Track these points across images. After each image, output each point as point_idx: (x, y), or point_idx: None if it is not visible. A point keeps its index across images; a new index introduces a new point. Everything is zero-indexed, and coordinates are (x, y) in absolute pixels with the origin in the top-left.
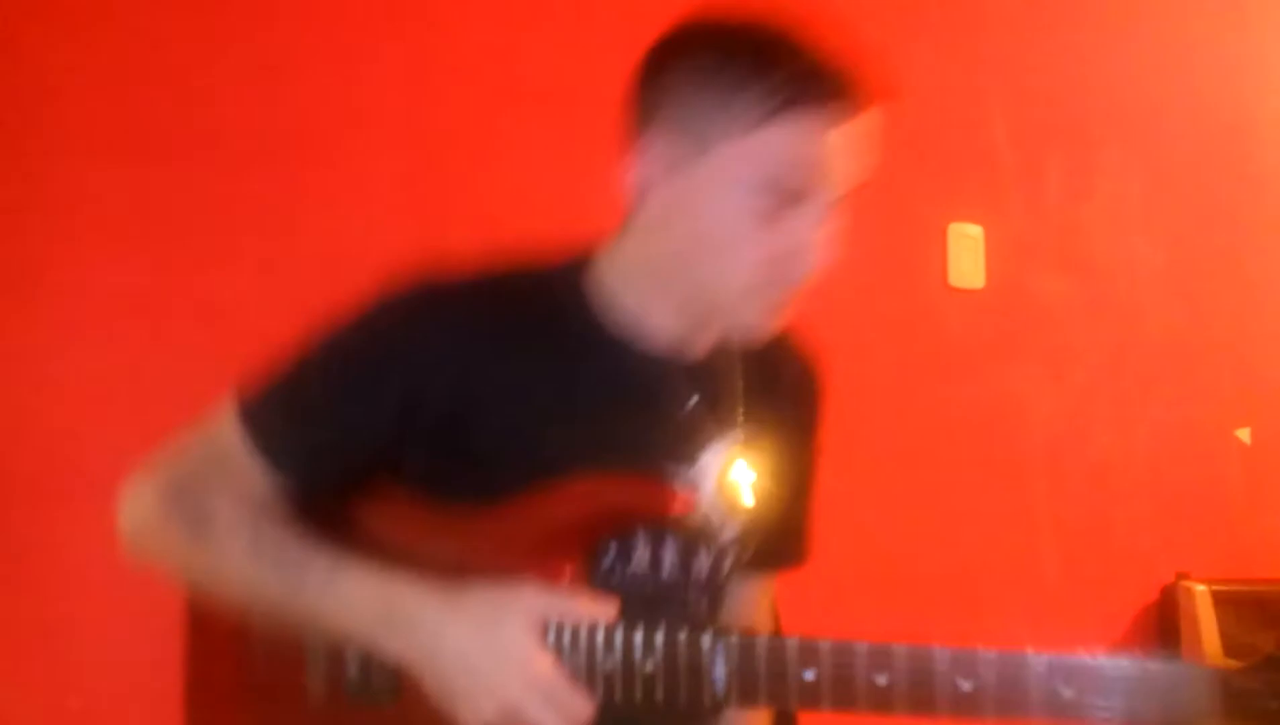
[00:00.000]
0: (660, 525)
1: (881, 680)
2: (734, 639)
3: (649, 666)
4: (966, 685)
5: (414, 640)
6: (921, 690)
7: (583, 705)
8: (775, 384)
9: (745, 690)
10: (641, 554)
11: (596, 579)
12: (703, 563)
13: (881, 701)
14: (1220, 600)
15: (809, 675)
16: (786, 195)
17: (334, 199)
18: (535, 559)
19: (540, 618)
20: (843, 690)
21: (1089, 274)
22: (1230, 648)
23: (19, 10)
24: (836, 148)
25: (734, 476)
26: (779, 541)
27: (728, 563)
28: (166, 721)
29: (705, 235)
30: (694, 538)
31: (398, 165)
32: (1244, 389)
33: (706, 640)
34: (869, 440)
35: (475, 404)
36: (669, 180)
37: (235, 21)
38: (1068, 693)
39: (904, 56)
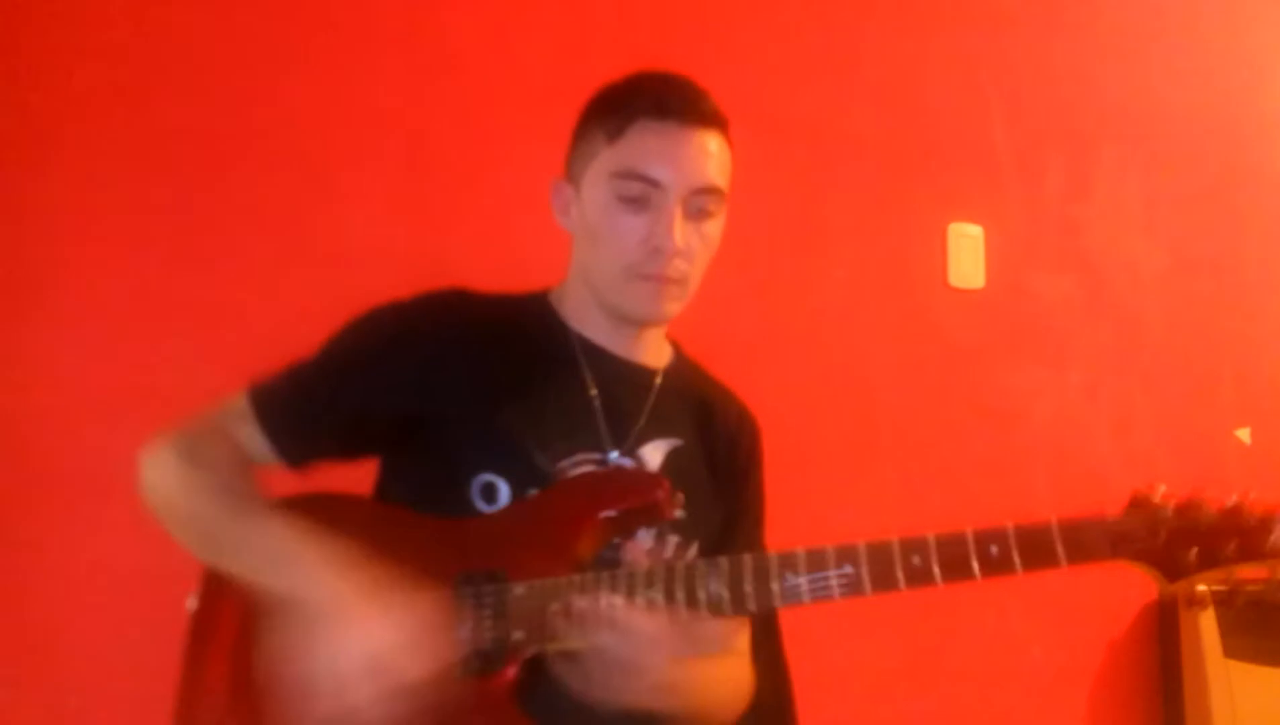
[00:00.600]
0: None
1: (848, 569)
2: (723, 560)
3: (653, 595)
4: (916, 560)
5: (291, 577)
6: (883, 570)
7: (404, 682)
8: (713, 414)
9: (736, 596)
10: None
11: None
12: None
13: (853, 585)
14: (1220, 600)
15: (789, 578)
16: (643, 181)
17: (336, 200)
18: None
19: (389, 638)
20: (817, 583)
21: (1089, 274)
22: (1230, 648)
23: (19, 10)
24: (677, 146)
25: (670, 476)
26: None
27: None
28: (165, 722)
29: (593, 230)
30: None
31: (399, 166)
32: (1244, 389)
33: (700, 563)
34: (869, 440)
35: (443, 399)
36: (575, 211)
37: (237, 22)
38: (995, 550)
39: (904, 56)
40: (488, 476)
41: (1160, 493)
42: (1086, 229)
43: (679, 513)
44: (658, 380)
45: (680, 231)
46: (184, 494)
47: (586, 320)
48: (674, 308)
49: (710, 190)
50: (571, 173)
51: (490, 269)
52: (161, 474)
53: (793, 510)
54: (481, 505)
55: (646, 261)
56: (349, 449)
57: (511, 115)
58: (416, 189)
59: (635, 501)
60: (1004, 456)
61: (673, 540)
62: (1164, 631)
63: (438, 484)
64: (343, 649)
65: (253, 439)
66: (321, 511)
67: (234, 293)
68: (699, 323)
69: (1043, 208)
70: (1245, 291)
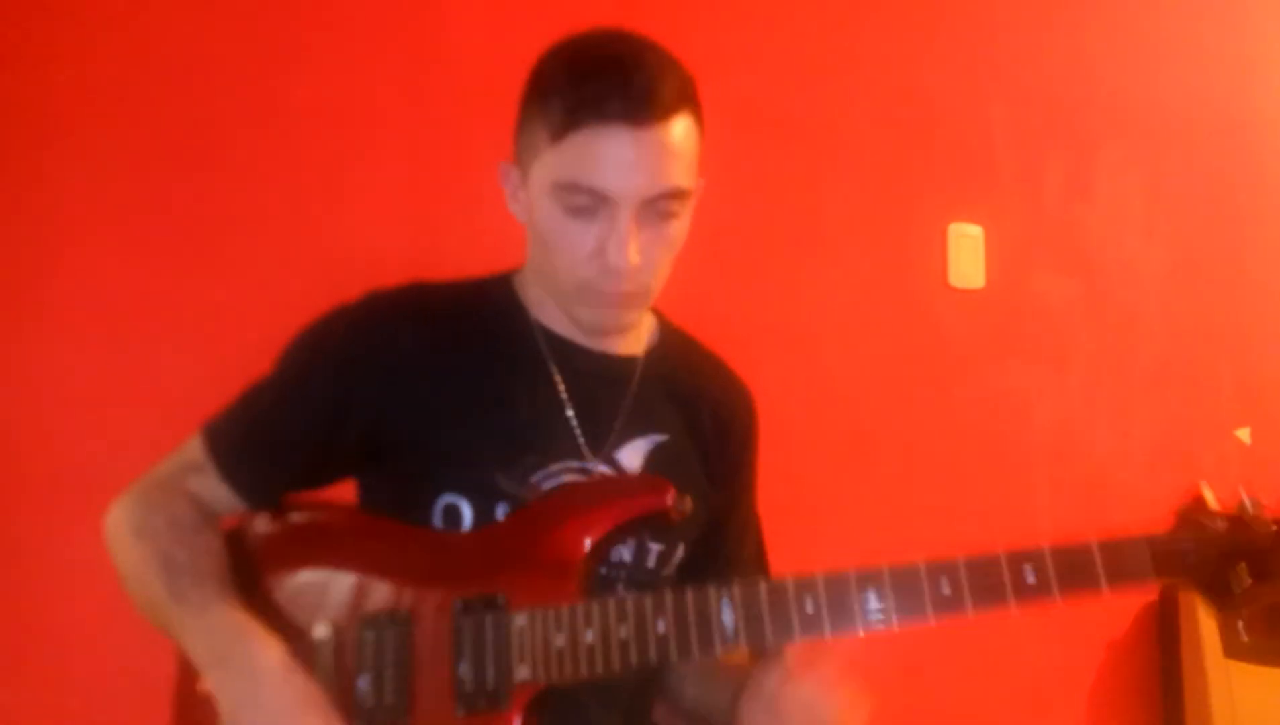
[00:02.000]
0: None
1: (873, 602)
2: (735, 587)
3: (660, 627)
4: (946, 589)
5: (219, 678)
6: (910, 600)
7: None
8: (702, 399)
9: (753, 630)
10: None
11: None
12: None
13: (880, 618)
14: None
15: (809, 607)
16: (590, 194)
17: (335, 200)
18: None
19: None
20: (840, 614)
21: (1089, 274)
22: (1230, 648)
23: (19, 10)
24: (626, 153)
25: (649, 471)
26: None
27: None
28: (165, 722)
29: (543, 235)
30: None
31: (398, 166)
32: (1244, 389)
33: (711, 591)
34: (869, 440)
35: (405, 401)
36: (521, 196)
37: (236, 22)
38: (1031, 578)
39: (904, 56)
40: (450, 498)
41: (1210, 502)
42: (1086, 229)
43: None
44: (637, 370)
45: (635, 246)
46: (130, 566)
47: (550, 312)
48: (634, 317)
49: (669, 194)
50: (519, 158)
51: (490, 269)
52: (114, 542)
53: (792, 510)
54: (442, 529)
55: (600, 278)
56: (315, 479)
57: (511, 115)
58: (416, 189)
59: (639, 510)
60: (1004, 456)
61: (654, 549)
62: (1164, 631)
63: (400, 506)
64: None
65: (215, 489)
66: (305, 524)
67: (234, 293)
68: (699, 323)
69: (1043, 208)
70: (1245, 291)
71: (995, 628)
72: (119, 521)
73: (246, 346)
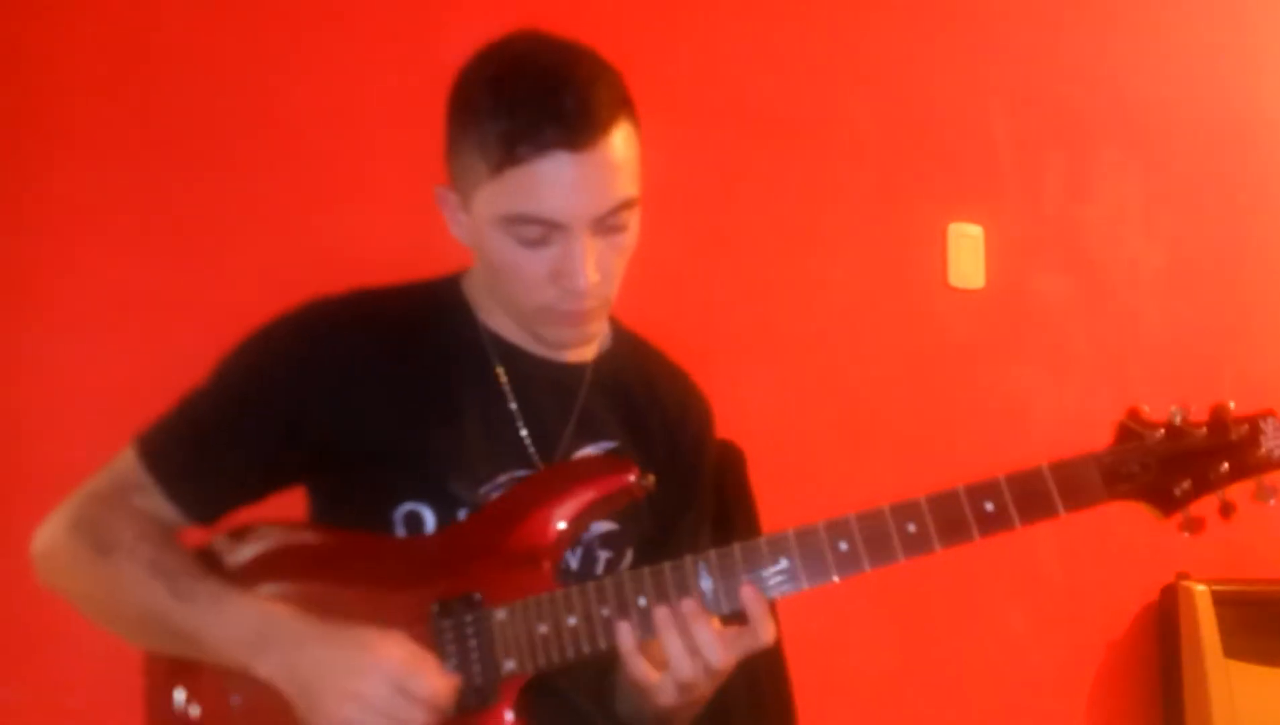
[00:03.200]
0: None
1: (843, 546)
2: (711, 553)
3: (642, 602)
4: (912, 527)
5: (278, 658)
6: (879, 542)
7: (437, 687)
8: (650, 407)
9: (731, 592)
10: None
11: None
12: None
13: (850, 562)
14: (1220, 600)
15: (783, 562)
16: (538, 222)
17: (334, 199)
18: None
19: (396, 655)
20: (815, 565)
21: (1089, 274)
22: (1230, 648)
23: (19, 10)
24: (571, 179)
25: None
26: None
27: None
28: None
29: (495, 265)
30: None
31: (397, 165)
32: (1244, 389)
33: (688, 560)
34: (869, 440)
35: (357, 411)
36: (463, 220)
37: (235, 21)
38: (990, 507)
39: (904, 56)
40: (411, 505)
41: (1144, 415)
42: (1086, 229)
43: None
44: (586, 376)
45: (592, 263)
46: (106, 588)
47: (499, 317)
48: (598, 328)
49: (618, 207)
50: (454, 183)
51: None
52: (68, 567)
53: (792, 510)
54: (405, 536)
55: (560, 300)
56: (263, 491)
57: None
58: (416, 189)
59: (605, 489)
60: (1004, 456)
61: (603, 556)
62: (1164, 631)
63: (359, 514)
64: (360, 709)
65: (160, 508)
66: (274, 544)
67: (234, 293)
68: (699, 323)
69: (1043, 208)
70: (1245, 291)
71: (996, 628)
72: (62, 544)
73: None
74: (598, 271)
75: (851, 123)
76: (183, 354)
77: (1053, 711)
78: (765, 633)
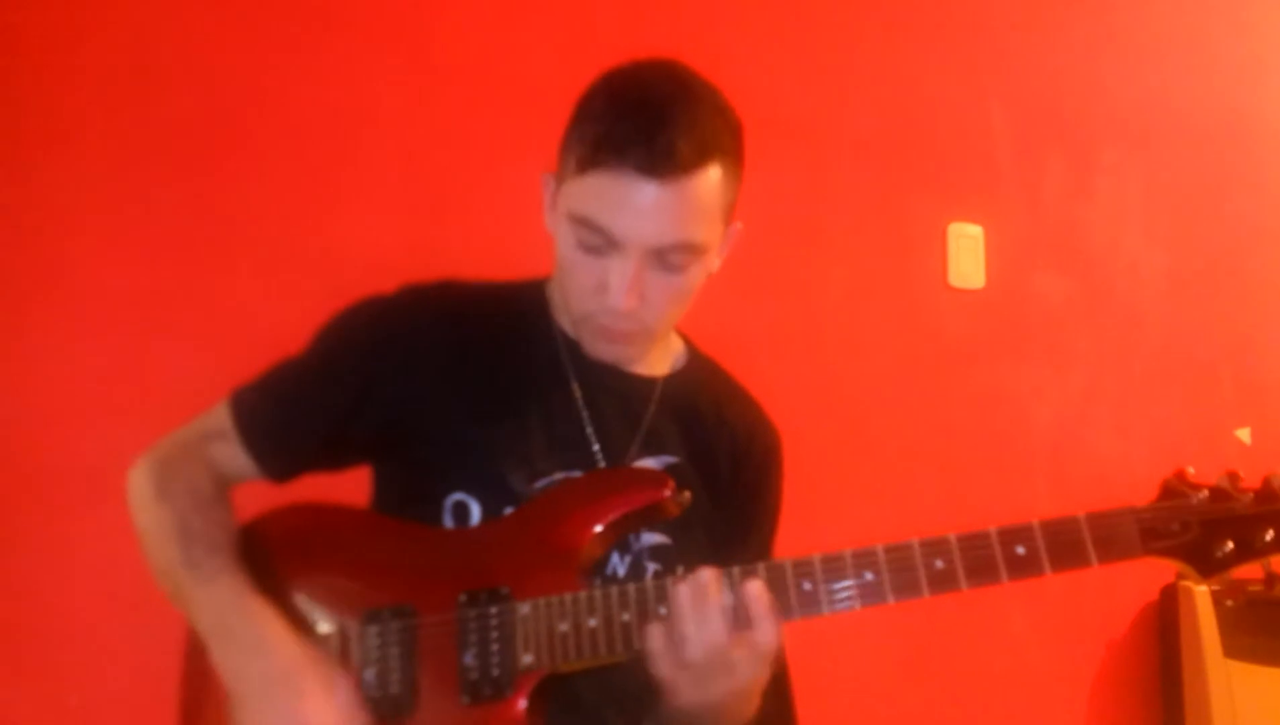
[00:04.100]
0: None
1: (869, 576)
2: (735, 570)
3: (663, 610)
4: (940, 564)
5: (231, 654)
6: (905, 577)
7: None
8: (719, 428)
9: (741, 608)
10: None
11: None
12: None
13: (874, 593)
14: (1220, 600)
15: (806, 586)
16: (600, 232)
17: (334, 199)
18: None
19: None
20: (841, 594)
21: (1089, 274)
22: (1230, 648)
23: (19, 10)
24: (637, 202)
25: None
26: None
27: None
28: (165, 721)
29: (559, 260)
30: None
31: (397, 166)
32: (1244, 389)
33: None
34: (869, 440)
35: (420, 396)
36: (552, 209)
37: (235, 22)
38: (1021, 551)
39: (904, 56)
40: (460, 495)
41: (1190, 476)
42: (1086, 229)
43: (682, 502)
44: (656, 392)
45: (636, 291)
46: (150, 527)
47: (564, 318)
48: (634, 352)
49: (678, 247)
50: (558, 172)
51: (490, 270)
52: (138, 500)
53: (791, 510)
54: (452, 525)
55: (600, 312)
56: (334, 460)
57: (510, 115)
58: (415, 189)
59: (639, 502)
60: (1004, 456)
61: (651, 568)
62: (1164, 631)
63: (412, 499)
64: None
65: (235, 456)
66: (310, 523)
67: (234, 293)
68: (699, 322)
69: (1043, 208)
70: (1245, 291)
71: (995, 628)
72: (142, 481)
73: (247, 344)
74: (639, 298)
75: (851, 123)
76: (182, 354)
77: (1053, 711)
78: (766, 633)
